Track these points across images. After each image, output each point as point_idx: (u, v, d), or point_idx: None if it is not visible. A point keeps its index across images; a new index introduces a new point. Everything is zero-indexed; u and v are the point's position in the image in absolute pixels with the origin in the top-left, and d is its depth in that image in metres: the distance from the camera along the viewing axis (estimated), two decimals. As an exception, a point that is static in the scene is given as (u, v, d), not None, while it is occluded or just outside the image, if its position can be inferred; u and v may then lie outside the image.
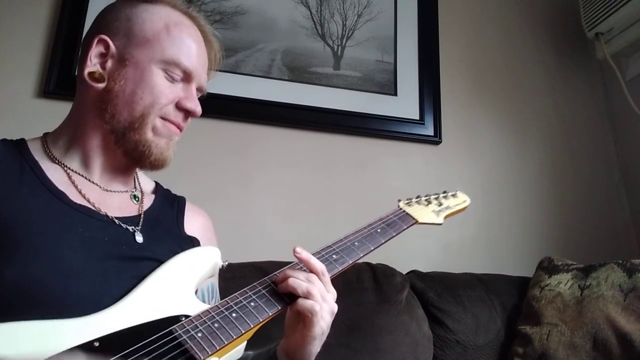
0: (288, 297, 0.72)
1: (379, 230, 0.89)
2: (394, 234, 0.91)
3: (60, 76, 1.44)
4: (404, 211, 0.96)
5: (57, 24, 1.49)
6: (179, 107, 0.81)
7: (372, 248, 0.86)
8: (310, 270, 0.74)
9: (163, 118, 0.80)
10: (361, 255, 0.84)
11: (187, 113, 0.82)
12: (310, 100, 1.62)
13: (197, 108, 0.82)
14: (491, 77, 1.86)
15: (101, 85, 0.78)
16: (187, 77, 0.82)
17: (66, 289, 0.64)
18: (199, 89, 0.85)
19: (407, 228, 0.94)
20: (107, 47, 0.79)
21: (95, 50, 0.79)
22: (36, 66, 1.46)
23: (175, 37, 0.80)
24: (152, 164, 0.81)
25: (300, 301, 0.71)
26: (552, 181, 1.80)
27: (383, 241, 0.88)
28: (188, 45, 0.81)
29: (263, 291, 0.71)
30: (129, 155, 0.80)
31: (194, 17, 0.86)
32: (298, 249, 0.74)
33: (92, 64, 0.79)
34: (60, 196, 0.73)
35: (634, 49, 1.76)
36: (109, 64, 0.79)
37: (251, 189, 1.54)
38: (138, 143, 0.78)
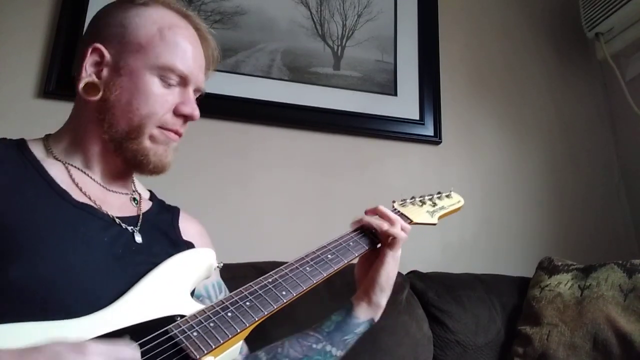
0: (283, 297, 0.72)
1: (373, 231, 0.89)
2: None
3: (60, 76, 1.43)
4: (399, 211, 0.95)
5: (57, 24, 1.48)
6: (176, 113, 0.80)
7: (367, 248, 0.86)
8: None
9: (161, 127, 0.79)
10: (356, 255, 0.84)
11: (185, 118, 0.81)
12: (310, 101, 1.62)
13: (195, 112, 0.82)
14: (491, 77, 1.86)
15: (96, 98, 0.78)
16: (183, 81, 0.81)
17: (68, 289, 0.64)
18: (196, 90, 0.85)
19: None
20: (101, 55, 0.78)
21: (90, 59, 0.78)
22: (36, 66, 1.46)
23: (169, 41, 0.79)
24: (152, 171, 0.81)
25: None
26: (552, 181, 1.80)
27: (378, 240, 0.89)
28: (183, 48, 0.80)
29: (259, 292, 0.71)
30: (128, 163, 0.81)
31: (189, 16, 0.85)
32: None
33: (87, 74, 0.78)
34: (63, 195, 0.73)
35: (634, 49, 1.76)
36: (105, 72, 0.78)
37: (251, 188, 1.54)
38: (136, 152, 0.78)
